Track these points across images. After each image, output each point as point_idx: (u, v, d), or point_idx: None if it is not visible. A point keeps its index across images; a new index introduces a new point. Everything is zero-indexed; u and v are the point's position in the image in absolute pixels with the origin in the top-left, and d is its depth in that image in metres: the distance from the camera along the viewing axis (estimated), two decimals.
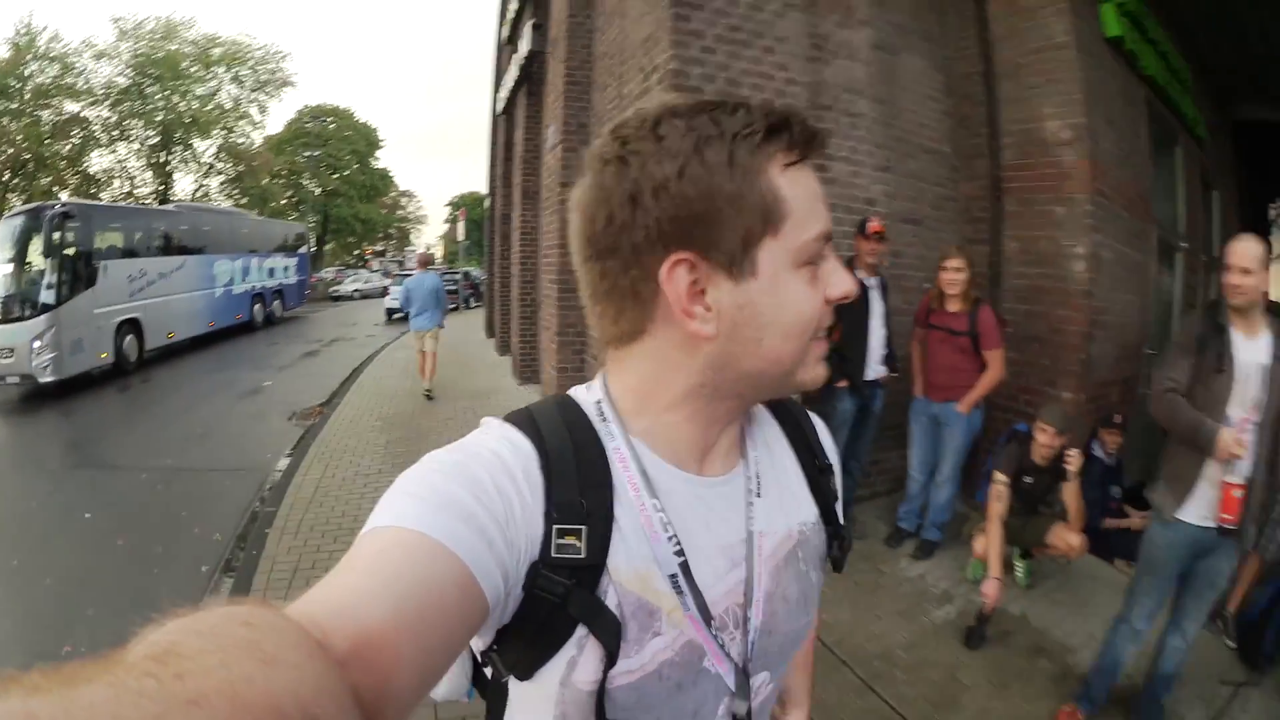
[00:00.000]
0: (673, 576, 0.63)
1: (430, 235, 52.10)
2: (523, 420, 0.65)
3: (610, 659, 0.59)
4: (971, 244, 4.73)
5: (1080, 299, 4.14)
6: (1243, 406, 2.33)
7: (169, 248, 12.68)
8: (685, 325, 0.61)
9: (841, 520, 0.80)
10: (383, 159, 51.55)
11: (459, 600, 0.51)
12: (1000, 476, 3.29)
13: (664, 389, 0.65)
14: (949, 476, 3.79)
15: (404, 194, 47.50)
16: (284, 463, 5.93)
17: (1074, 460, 3.20)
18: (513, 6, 9.71)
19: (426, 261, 9.46)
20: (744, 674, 0.67)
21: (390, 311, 19.26)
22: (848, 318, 3.63)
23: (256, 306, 16.57)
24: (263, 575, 3.81)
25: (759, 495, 0.71)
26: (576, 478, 0.61)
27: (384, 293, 24.66)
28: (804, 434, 0.80)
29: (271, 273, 17.58)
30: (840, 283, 0.63)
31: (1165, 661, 2.63)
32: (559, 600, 0.58)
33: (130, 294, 11.10)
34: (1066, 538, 3.35)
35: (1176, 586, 2.57)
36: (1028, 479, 3.36)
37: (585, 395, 0.70)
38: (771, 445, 0.77)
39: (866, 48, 4.43)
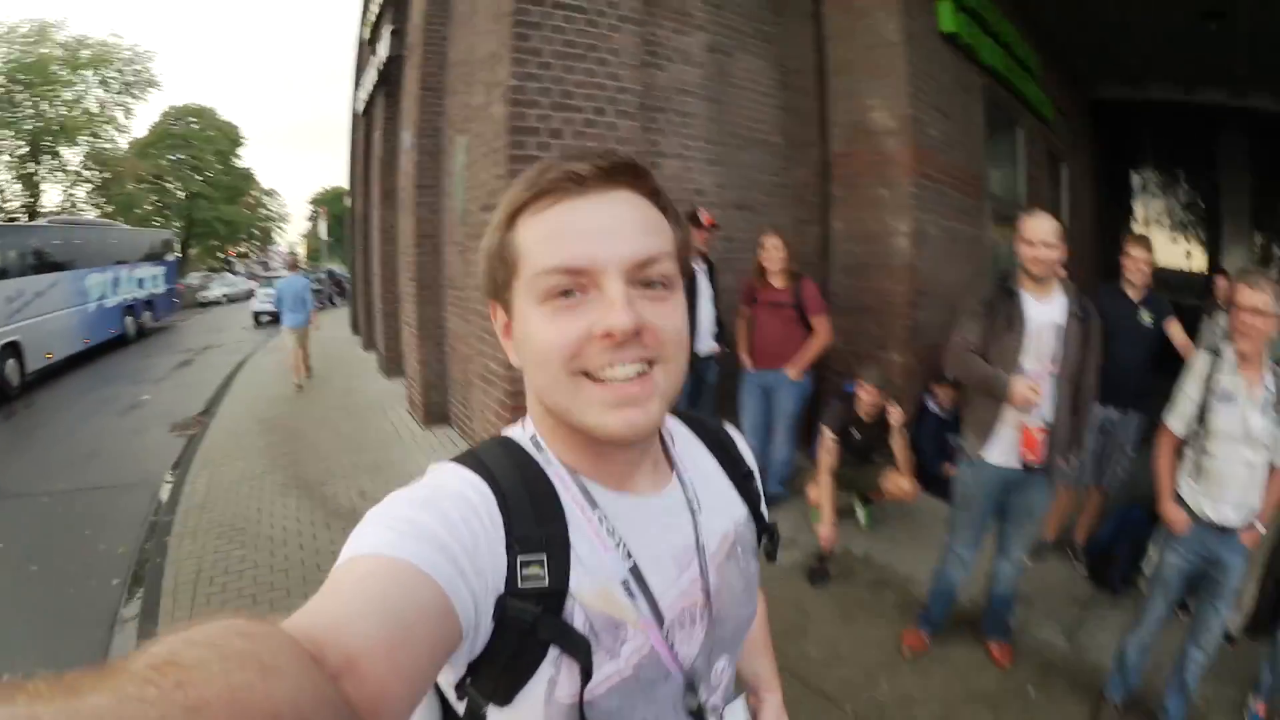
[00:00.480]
0: (625, 582, 0.67)
1: (293, 233, 49.61)
2: (472, 463, 0.67)
3: (586, 674, 0.62)
4: (804, 224, 5.20)
5: (904, 271, 4.63)
6: (1039, 360, 2.62)
7: (43, 265, 11.83)
8: (510, 357, 0.71)
9: (766, 517, 0.86)
10: (245, 157, 48.80)
11: (439, 621, 0.53)
12: (827, 431, 3.70)
13: (546, 422, 0.71)
14: (785, 437, 4.19)
15: (267, 193, 45.04)
16: (172, 473, 5.94)
17: (895, 414, 3.65)
18: (374, 9, 9.64)
19: (293, 264, 10.31)
20: (692, 676, 0.73)
21: (258, 315, 18.99)
22: None
23: (128, 319, 15.63)
24: (169, 580, 3.93)
25: (700, 510, 0.76)
26: (532, 512, 0.64)
27: (249, 295, 23.82)
28: (724, 447, 0.87)
29: (141, 283, 16.56)
30: (601, 319, 0.62)
31: (998, 585, 2.97)
32: (529, 626, 0.60)
33: (9, 316, 10.36)
34: (899, 482, 3.79)
35: (998, 518, 2.89)
36: (855, 433, 3.79)
37: (520, 432, 0.73)
38: (697, 460, 0.82)
39: (701, 51, 4.78)
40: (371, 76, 9.25)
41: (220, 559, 4.16)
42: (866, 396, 3.69)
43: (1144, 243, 3.71)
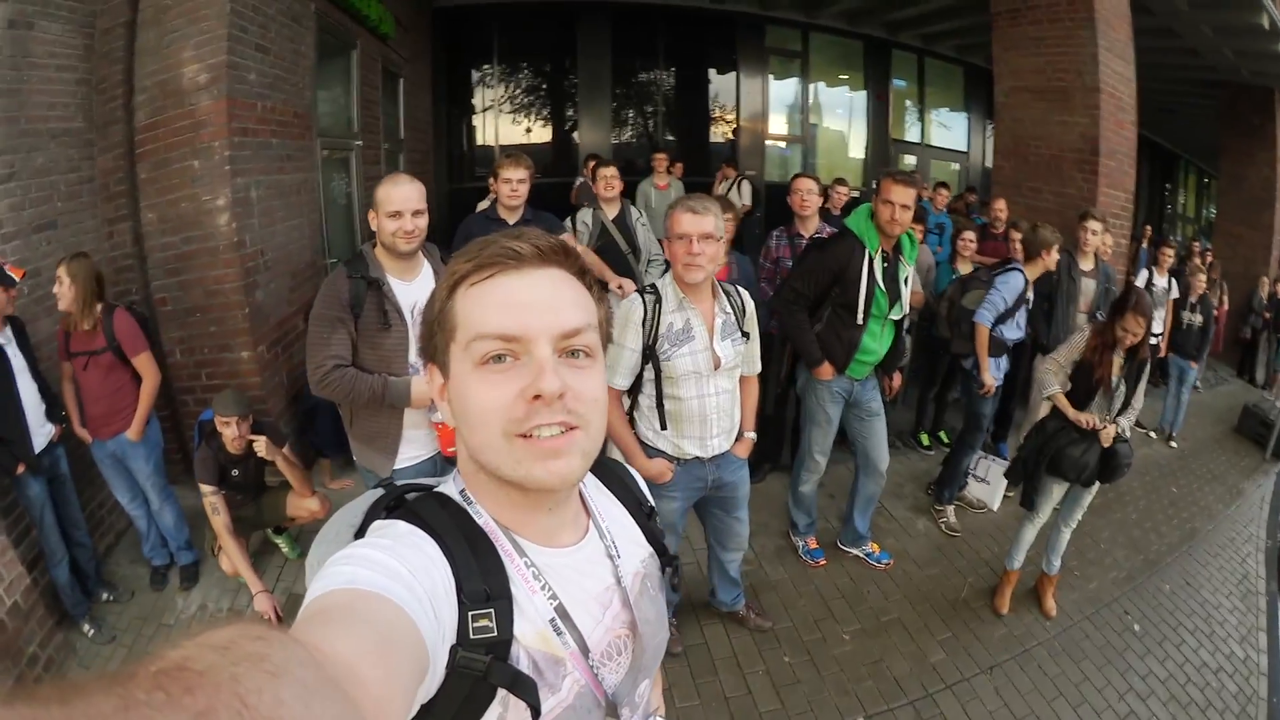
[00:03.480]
0: (552, 621, 0.74)
1: None
2: (416, 520, 0.72)
3: (535, 710, 0.69)
4: (114, 223, 4.08)
5: (230, 253, 3.97)
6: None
7: None
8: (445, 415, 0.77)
9: (669, 549, 0.95)
10: None
11: (414, 644, 0.59)
12: (205, 489, 3.13)
13: (479, 478, 0.76)
14: (161, 502, 3.46)
15: None
16: None
17: (261, 445, 3.18)
18: None
19: None
20: (616, 702, 0.81)
21: None
22: None
23: None
24: None
25: (618, 554, 0.85)
26: (476, 566, 0.70)
27: None
28: (627, 487, 0.95)
29: None
30: (533, 384, 0.69)
31: None
32: (481, 675, 0.66)
33: None
34: (305, 505, 3.38)
35: None
36: (235, 471, 3.27)
37: (452, 486, 0.79)
38: (607, 506, 0.91)
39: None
40: None
41: None
42: (229, 432, 3.15)
43: (520, 162, 3.53)
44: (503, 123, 10.30)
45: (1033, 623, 3.37)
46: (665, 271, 2.40)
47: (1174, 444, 5.72)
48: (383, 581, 0.61)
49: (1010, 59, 6.17)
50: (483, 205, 4.50)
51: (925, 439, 4.99)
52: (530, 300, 0.71)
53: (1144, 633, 3.42)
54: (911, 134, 11.62)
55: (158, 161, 3.99)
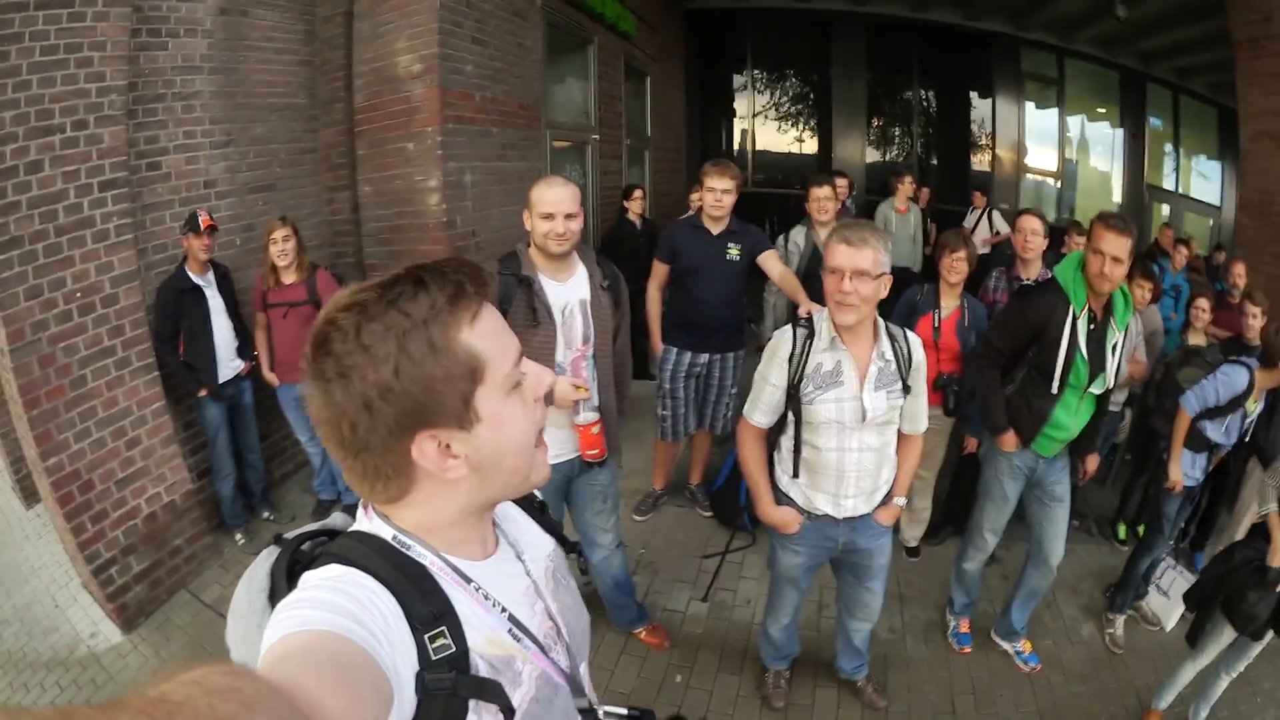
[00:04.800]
0: (510, 630, 0.78)
1: None
2: (349, 561, 0.71)
3: (509, 712, 0.73)
4: (335, 191, 4.57)
5: (439, 230, 4.29)
6: (571, 347, 2.33)
7: None
8: (441, 477, 0.73)
9: (569, 538, 1.00)
10: None
11: (375, 676, 0.60)
12: None
13: (442, 519, 0.77)
14: None
15: None
16: None
17: None
18: None
19: None
20: (576, 680, 0.88)
21: None
22: (186, 326, 3.42)
23: None
24: None
25: (524, 555, 0.88)
26: (416, 592, 0.71)
27: None
28: None
29: None
30: (541, 381, 0.78)
31: (604, 573, 2.80)
32: (450, 691, 0.68)
33: None
34: None
35: (571, 511, 2.65)
36: None
37: (382, 526, 0.77)
38: (506, 511, 0.93)
39: (211, 16, 3.76)
40: None
41: None
42: None
43: (726, 171, 3.41)
44: (756, 128, 10.33)
45: None
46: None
47: None
48: (334, 619, 0.62)
49: (1254, 98, 5.25)
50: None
51: (1123, 531, 4.29)
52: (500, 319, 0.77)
53: None
54: (1168, 181, 10.29)
55: (374, 140, 4.37)
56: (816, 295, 3.15)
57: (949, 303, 3.34)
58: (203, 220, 3.39)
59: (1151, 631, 3.55)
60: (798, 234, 3.98)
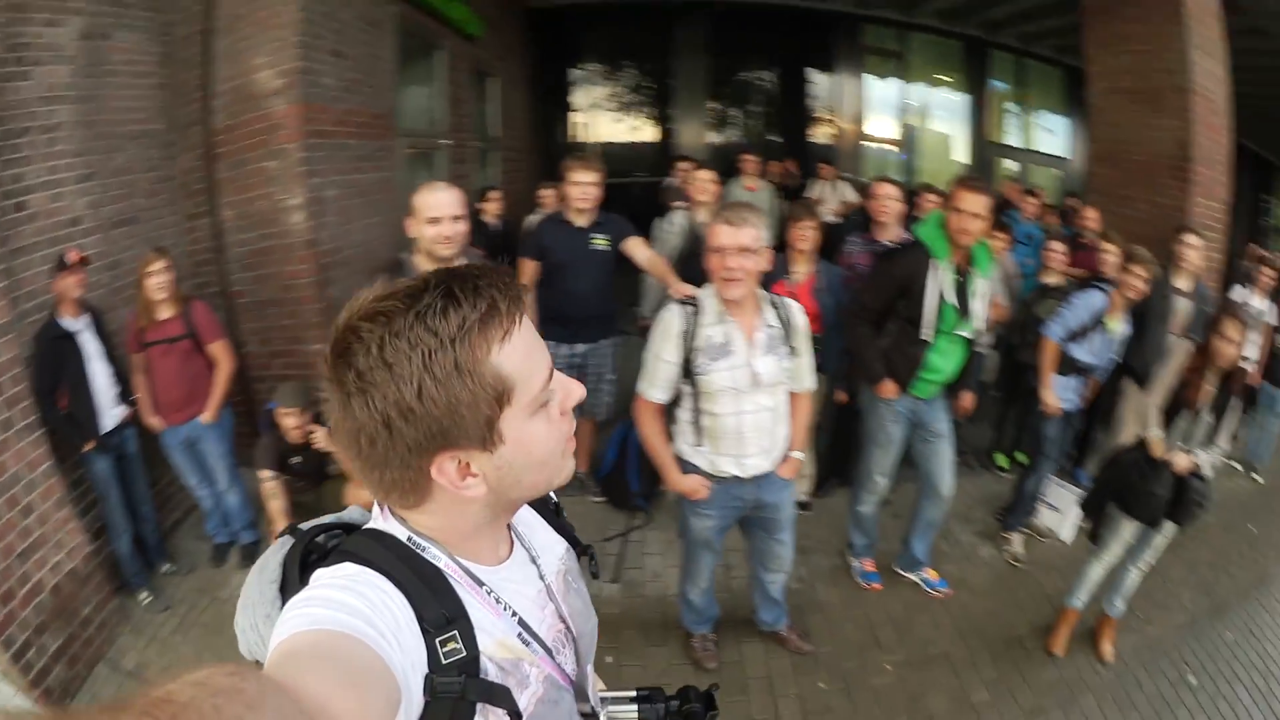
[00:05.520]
0: (520, 635, 0.79)
1: None
2: (360, 560, 0.71)
3: (515, 716, 0.73)
4: (194, 219, 4.31)
5: (305, 249, 4.14)
6: None
7: None
8: (459, 495, 0.71)
9: (581, 541, 0.99)
10: None
11: (382, 676, 0.60)
12: (264, 474, 3.23)
13: (458, 528, 0.76)
14: (227, 483, 3.62)
15: None
16: None
17: (320, 437, 3.29)
18: None
19: None
20: (580, 686, 0.89)
21: None
22: (66, 376, 3.19)
23: None
24: None
25: (539, 558, 0.88)
26: (432, 597, 0.70)
27: None
28: None
29: None
30: (570, 395, 0.76)
31: None
32: (459, 694, 0.68)
33: None
34: (361, 495, 3.47)
35: None
36: (296, 459, 3.37)
37: (396, 528, 0.76)
38: (519, 513, 0.90)
39: (73, 41, 3.48)
40: None
41: None
42: (290, 423, 3.26)
43: (590, 164, 3.51)
44: (600, 121, 10.37)
45: (1086, 667, 3.13)
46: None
47: (1257, 477, 5.25)
48: (345, 619, 0.62)
49: (1102, 58, 5.80)
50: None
51: (1002, 460, 4.71)
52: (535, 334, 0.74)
53: (1199, 686, 3.11)
54: (1012, 138, 11.11)
55: (235, 161, 4.18)
56: (697, 275, 3.33)
57: (802, 269, 3.52)
58: (71, 255, 3.15)
59: (1049, 544, 3.92)
60: (676, 217, 4.12)
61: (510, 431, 0.70)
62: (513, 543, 0.86)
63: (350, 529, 0.80)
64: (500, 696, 0.72)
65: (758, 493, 2.44)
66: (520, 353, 0.69)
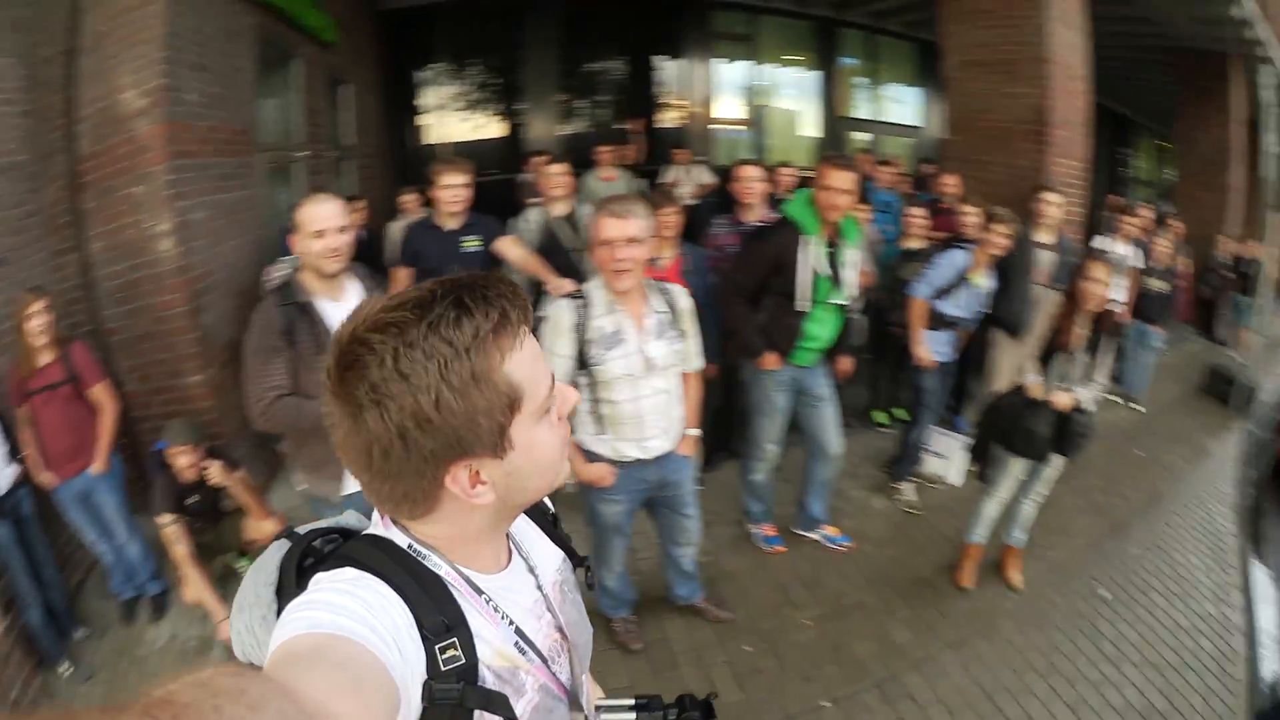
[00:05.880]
0: (516, 644, 0.80)
1: None
2: (363, 565, 0.71)
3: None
4: (60, 255, 4.03)
5: (176, 277, 3.95)
6: None
7: None
8: (468, 503, 0.72)
9: (578, 552, 1.00)
10: None
11: (381, 678, 0.61)
12: (164, 519, 3.12)
13: (463, 534, 0.77)
14: (126, 535, 3.47)
15: None
16: None
17: (214, 472, 3.20)
18: None
19: None
20: (575, 694, 0.89)
21: None
22: None
23: None
24: None
25: (536, 567, 0.89)
26: (432, 604, 0.71)
27: None
28: None
29: None
30: (567, 400, 0.78)
31: None
32: (457, 701, 0.69)
33: None
34: (262, 528, 3.40)
35: None
36: (193, 499, 3.27)
37: (397, 535, 0.77)
38: (516, 523, 0.89)
39: None
40: None
41: None
42: (183, 461, 3.16)
43: (458, 166, 3.49)
44: (452, 122, 10.23)
45: (998, 596, 3.37)
46: None
47: (1136, 406, 5.76)
48: (345, 623, 0.62)
49: (958, 33, 6.15)
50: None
51: (881, 417, 5.02)
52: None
53: (1114, 598, 3.41)
54: (863, 111, 11.62)
55: (102, 190, 3.96)
56: (559, 270, 3.41)
57: (667, 253, 3.62)
58: None
59: (940, 489, 4.19)
60: (532, 213, 4.11)
61: (519, 438, 0.72)
62: (511, 552, 0.87)
63: (347, 534, 0.81)
64: (498, 704, 0.73)
65: (661, 472, 2.54)
66: (529, 360, 0.71)
